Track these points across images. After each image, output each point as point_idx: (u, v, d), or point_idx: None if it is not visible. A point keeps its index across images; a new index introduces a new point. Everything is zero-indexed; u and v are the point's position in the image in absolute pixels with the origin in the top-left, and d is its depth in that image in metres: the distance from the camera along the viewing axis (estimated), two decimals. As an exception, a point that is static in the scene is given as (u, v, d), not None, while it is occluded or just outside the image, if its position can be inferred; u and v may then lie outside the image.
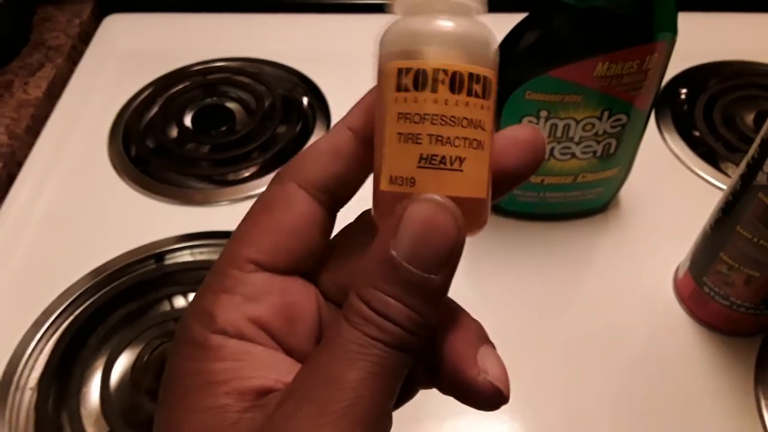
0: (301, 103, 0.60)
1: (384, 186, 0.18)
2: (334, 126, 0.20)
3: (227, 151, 0.56)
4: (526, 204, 0.48)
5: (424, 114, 0.17)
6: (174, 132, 0.58)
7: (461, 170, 0.18)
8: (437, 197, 0.17)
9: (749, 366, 0.41)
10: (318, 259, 0.21)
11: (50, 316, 0.44)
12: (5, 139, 0.54)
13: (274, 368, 0.19)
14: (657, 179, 0.53)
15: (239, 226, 0.20)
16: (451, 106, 0.17)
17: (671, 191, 0.52)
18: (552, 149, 0.44)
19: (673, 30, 0.38)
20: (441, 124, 0.17)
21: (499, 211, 0.50)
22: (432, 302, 0.17)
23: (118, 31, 0.68)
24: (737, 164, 0.51)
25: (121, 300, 0.45)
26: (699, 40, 0.60)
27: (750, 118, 0.57)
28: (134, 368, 0.42)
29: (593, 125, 0.42)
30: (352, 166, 0.20)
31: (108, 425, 0.39)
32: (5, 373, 0.42)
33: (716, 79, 0.61)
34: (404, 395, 0.22)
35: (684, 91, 0.60)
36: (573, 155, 0.44)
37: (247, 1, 0.70)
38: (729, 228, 0.38)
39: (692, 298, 0.43)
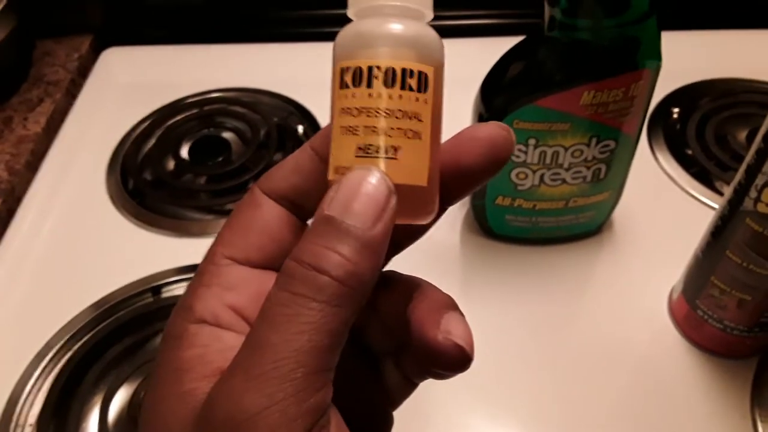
0: (296, 130, 0.61)
1: (330, 176, 0.20)
2: (302, 145, 0.22)
3: (224, 181, 0.56)
4: (519, 229, 0.49)
5: (361, 107, 0.19)
6: (171, 164, 0.58)
7: (395, 158, 0.19)
8: (369, 167, 0.18)
9: (745, 388, 0.41)
10: None
11: (48, 352, 0.45)
12: (5, 175, 0.55)
13: None
14: (650, 200, 0.53)
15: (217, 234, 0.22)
16: (384, 99, 0.19)
17: (665, 212, 0.52)
18: (542, 176, 0.44)
19: (658, 57, 0.39)
20: (375, 116, 0.19)
21: (492, 235, 0.50)
22: (365, 251, 0.18)
23: (116, 65, 0.69)
24: (730, 183, 0.51)
25: (118, 335, 0.45)
26: (690, 59, 0.61)
27: (742, 135, 0.57)
28: (131, 404, 0.42)
29: (582, 152, 0.42)
30: (310, 180, 0.21)
31: (106, 461, 0.39)
32: (5, 410, 0.42)
33: (708, 97, 0.61)
34: (403, 391, 0.23)
35: (676, 110, 0.60)
36: (563, 181, 0.44)
37: (242, 32, 0.71)
38: (719, 252, 0.38)
39: (686, 320, 0.43)
